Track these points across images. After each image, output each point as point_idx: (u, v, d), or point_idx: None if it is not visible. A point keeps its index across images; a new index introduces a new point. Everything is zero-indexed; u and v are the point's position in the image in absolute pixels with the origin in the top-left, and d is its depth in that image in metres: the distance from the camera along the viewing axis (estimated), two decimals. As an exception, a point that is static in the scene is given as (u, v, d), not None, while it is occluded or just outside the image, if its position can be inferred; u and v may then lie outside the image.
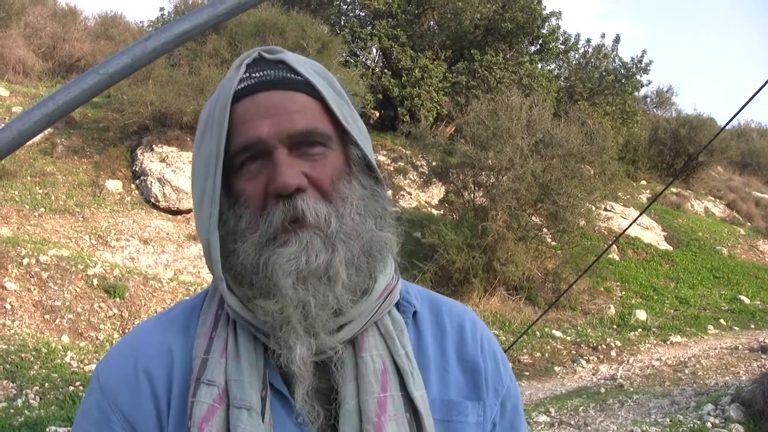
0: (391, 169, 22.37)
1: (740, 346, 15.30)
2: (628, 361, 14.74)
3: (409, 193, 21.61)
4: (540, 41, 28.33)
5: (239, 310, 1.44)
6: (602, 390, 12.67)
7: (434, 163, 20.17)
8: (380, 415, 1.40)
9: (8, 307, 11.81)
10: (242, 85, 1.44)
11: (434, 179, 19.90)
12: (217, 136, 1.42)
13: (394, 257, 1.55)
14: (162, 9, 26.59)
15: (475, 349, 1.61)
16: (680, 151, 30.98)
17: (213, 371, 1.41)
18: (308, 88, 1.45)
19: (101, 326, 12.27)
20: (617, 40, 30.28)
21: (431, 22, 29.25)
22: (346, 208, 1.42)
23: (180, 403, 1.43)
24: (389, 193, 1.54)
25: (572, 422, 10.87)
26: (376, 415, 1.40)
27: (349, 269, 1.41)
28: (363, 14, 29.46)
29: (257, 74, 1.45)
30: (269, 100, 1.42)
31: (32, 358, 10.62)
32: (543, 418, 10.99)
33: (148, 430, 1.44)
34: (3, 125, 1.19)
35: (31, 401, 9.33)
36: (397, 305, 1.58)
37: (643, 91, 33.10)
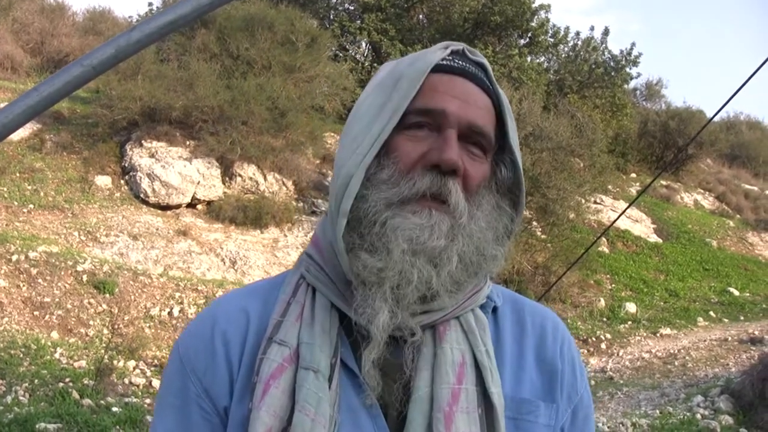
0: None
1: (730, 338, 15.35)
2: (618, 354, 14.78)
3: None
4: (529, 34, 28.38)
5: (342, 253, 1.45)
6: (592, 382, 12.70)
7: (424, 157, 20.17)
8: (452, 405, 1.41)
9: (-3, 303, 11.80)
10: (445, 63, 1.51)
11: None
12: (405, 91, 1.47)
13: (494, 273, 1.57)
14: (150, 3, 26.46)
15: (555, 351, 1.61)
16: (670, 144, 31.03)
17: (286, 333, 1.45)
18: (495, 99, 1.54)
19: (91, 322, 12.24)
20: (606, 32, 30.39)
21: (420, 16, 29.30)
22: (478, 213, 1.47)
23: (250, 361, 1.47)
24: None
25: (563, 415, 10.88)
26: (448, 405, 1.40)
27: (459, 262, 1.43)
28: (352, 8, 29.50)
29: (460, 62, 1.53)
30: (464, 86, 1.50)
31: (21, 355, 10.60)
32: (534, 410, 11.00)
33: (220, 393, 1.48)
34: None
35: (21, 398, 9.30)
36: None
37: (632, 84, 33.26)
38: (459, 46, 1.55)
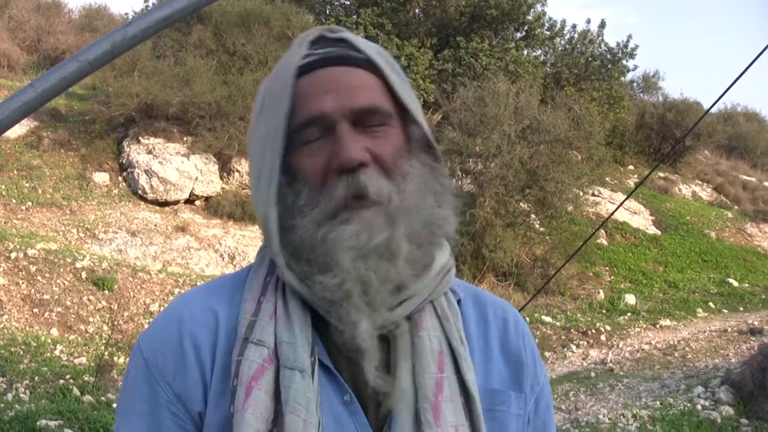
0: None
1: (729, 329, 15.35)
2: (617, 346, 14.78)
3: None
4: (525, 27, 28.33)
5: (297, 286, 1.42)
6: (592, 374, 12.71)
7: (422, 151, 20.11)
8: (437, 395, 1.38)
9: (-4, 301, 11.80)
10: (305, 61, 1.44)
11: (422, 167, 19.83)
12: (279, 111, 1.42)
13: (452, 236, 1.53)
14: (146, 0, 26.44)
15: (518, 342, 1.59)
16: (667, 136, 30.98)
17: (262, 332, 1.39)
18: (370, 66, 1.46)
19: (90, 319, 12.24)
20: (603, 25, 30.35)
21: (416, 10, 29.19)
22: (407, 184, 1.42)
23: (223, 363, 1.41)
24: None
25: (563, 407, 10.90)
26: (434, 395, 1.38)
27: (410, 244, 1.39)
28: (348, 2, 29.44)
29: (320, 51, 1.45)
30: (332, 75, 1.43)
31: (22, 352, 10.59)
32: (534, 403, 11.00)
33: (194, 398, 1.41)
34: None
35: (22, 395, 9.30)
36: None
37: (629, 76, 33.19)
38: (316, 33, 1.50)
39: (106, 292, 12.78)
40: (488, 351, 1.56)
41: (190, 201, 17.40)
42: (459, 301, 1.58)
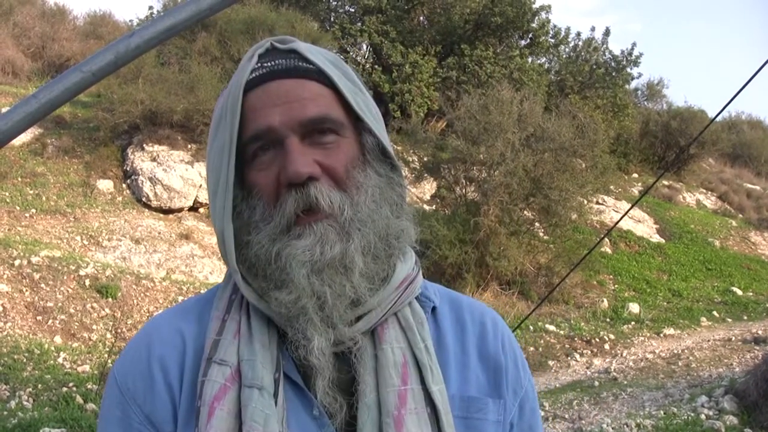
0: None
1: (733, 338, 15.31)
2: (621, 354, 14.74)
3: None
4: (530, 35, 28.37)
5: (255, 301, 1.43)
6: (596, 383, 12.67)
7: (425, 159, 20.12)
8: (400, 408, 1.38)
9: (0, 308, 11.77)
10: (254, 75, 1.43)
11: (426, 175, 19.86)
12: (230, 126, 1.42)
13: (413, 246, 1.53)
14: (151, 7, 26.50)
15: (496, 346, 1.58)
16: (671, 144, 31.00)
17: (225, 351, 1.40)
18: (320, 76, 1.45)
19: (94, 327, 12.23)
20: (607, 33, 30.40)
21: (421, 18, 29.26)
22: (361, 196, 1.41)
23: (191, 383, 1.42)
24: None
25: (566, 416, 10.87)
26: (396, 408, 1.38)
27: (365, 257, 1.39)
28: (352, 10, 29.50)
29: (269, 64, 1.44)
30: (280, 88, 1.42)
31: (25, 360, 10.58)
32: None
33: (163, 419, 1.42)
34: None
35: (25, 403, 9.28)
36: (417, 300, 1.55)
37: (633, 84, 33.19)
38: (265, 44, 1.49)
39: (110, 299, 12.78)
40: (465, 358, 1.55)
41: (194, 208, 17.40)
42: (434, 309, 1.58)
